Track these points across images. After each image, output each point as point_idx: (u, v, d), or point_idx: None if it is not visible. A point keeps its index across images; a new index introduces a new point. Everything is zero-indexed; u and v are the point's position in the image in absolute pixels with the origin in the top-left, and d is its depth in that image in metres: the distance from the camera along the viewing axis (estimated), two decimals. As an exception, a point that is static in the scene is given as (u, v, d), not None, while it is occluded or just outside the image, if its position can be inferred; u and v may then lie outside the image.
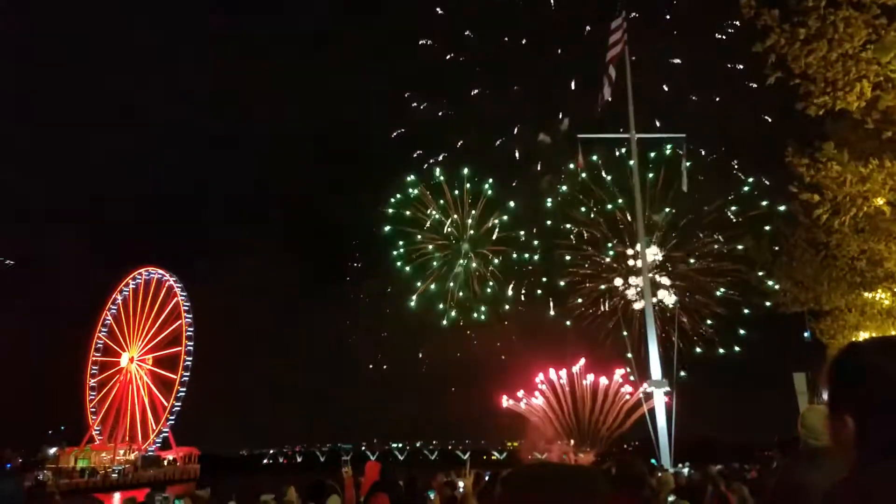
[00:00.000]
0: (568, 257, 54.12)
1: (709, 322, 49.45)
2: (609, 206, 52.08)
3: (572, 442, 55.75)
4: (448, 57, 64.90)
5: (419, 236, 61.49)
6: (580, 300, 54.14)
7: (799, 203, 11.51)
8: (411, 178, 62.68)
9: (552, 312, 56.54)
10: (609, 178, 51.98)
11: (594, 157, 50.68)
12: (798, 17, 8.55)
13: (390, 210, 62.17)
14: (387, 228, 62.48)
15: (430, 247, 61.60)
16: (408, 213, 61.73)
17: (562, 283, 55.04)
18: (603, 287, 52.18)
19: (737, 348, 49.82)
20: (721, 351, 50.01)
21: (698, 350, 50.65)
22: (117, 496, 59.76)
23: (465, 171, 61.71)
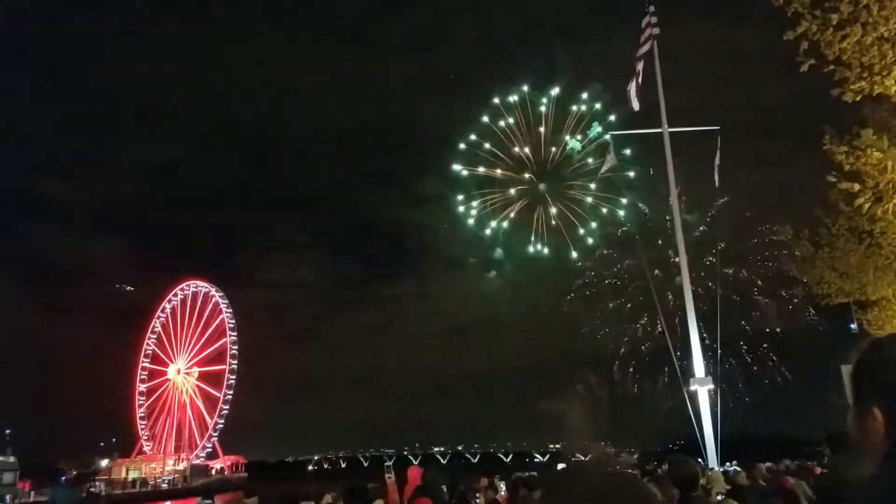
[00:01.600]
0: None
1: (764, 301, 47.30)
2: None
3: (609, 444, 55.02)
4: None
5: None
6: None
7: (838, 192, 11.20)
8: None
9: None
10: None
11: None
12: (830, 3, 8.36)
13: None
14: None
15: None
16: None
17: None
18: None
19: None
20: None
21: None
22: (168, 505, 61.30)
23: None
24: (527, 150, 53.19)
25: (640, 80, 33.44)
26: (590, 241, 52.18)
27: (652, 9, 33.69)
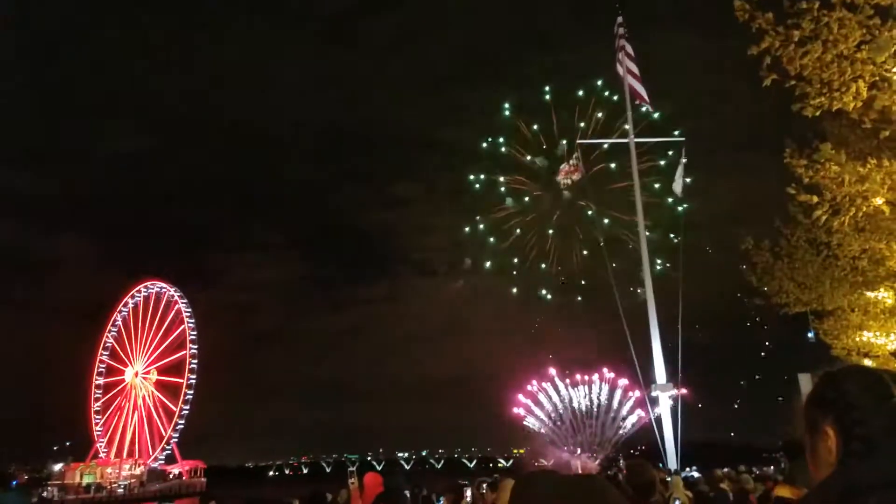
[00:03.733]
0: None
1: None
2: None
3: (578, 450, 55.40)
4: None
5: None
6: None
7: (797, 203, 11.50)
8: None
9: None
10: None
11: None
12: (792, 20, 8.58)
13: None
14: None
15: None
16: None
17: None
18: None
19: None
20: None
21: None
22: (123, 511, 59.52)
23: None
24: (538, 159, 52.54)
25: (636, 79, 33.82)
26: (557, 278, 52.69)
27: (620, 20, 34.28)
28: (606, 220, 51.85)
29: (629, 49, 33.66)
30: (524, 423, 56.06)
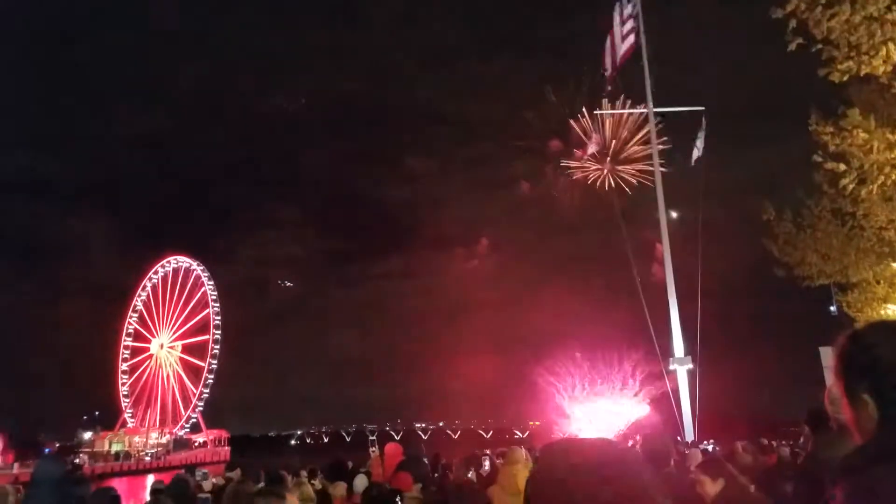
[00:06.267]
0: None
1: None
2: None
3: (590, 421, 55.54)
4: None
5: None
6: None
7: (823, 172, 11.24)
8: None
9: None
10: None
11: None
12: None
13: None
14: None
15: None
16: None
17: None
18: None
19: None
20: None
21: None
22: (150, 478, 61.42)
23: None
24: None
25: (620, 52, 32.97)
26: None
27: None
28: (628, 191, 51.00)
29: (627, 14, 32.57)
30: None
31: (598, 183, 50.68)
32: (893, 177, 9.62)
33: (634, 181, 49.92)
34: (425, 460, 9.23)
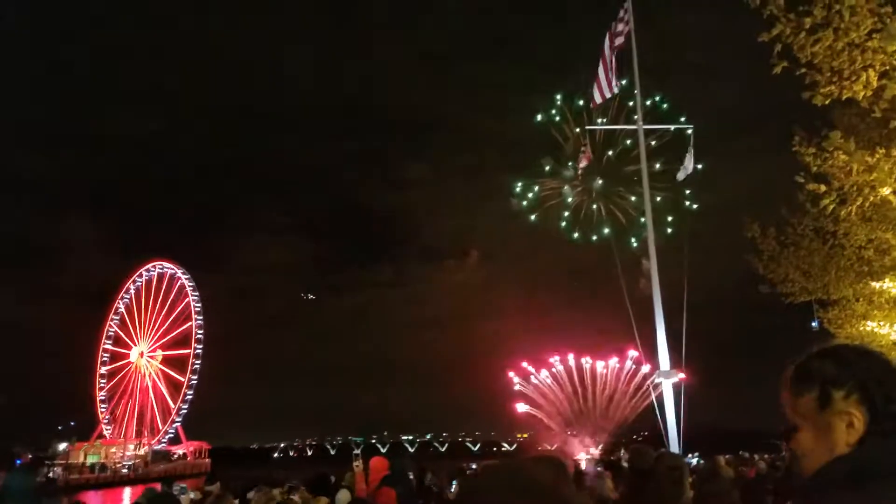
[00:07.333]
0: None
1: None
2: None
3: (577, 434, 55.74)
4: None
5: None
6: None
7: (806, 192, 11.46)
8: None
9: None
10: None
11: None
12: (804, 6, 8.49)
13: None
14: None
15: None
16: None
17: None
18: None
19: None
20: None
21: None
22: (128, 491, 60.31)
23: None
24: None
25: (611, 73, 33.34)
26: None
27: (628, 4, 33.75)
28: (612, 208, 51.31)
29: (621, 29, 32.86)
30: (518, 389, 55.81)
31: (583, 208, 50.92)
32: (872, 198, 9.84)
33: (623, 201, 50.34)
34: (411, 475, 9.19)
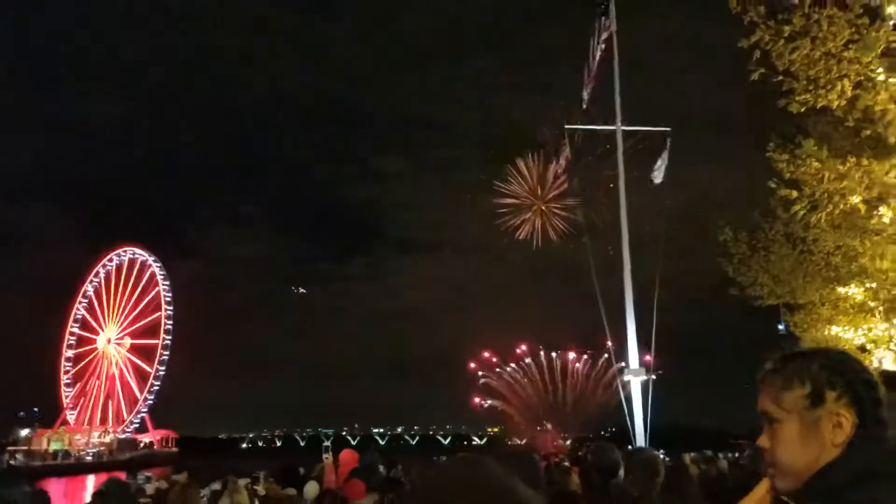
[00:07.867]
0: None
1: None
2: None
3: (549, 426, 56.30)
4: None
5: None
6: None
7: (778, 198, 11.66)
8: None
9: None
10: None
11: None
12: (783, 15, 8.62)
13: None
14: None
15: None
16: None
17: None
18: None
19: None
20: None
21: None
22: (91, 478, 59.21)
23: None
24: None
25: (591, 73, 33.50)
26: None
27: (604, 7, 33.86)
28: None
29: (613, 39, 33.20)
30: (484, 382, 56.20)
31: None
32: (841, 206, 10.04)
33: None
34: (381, 468, 9.16)
